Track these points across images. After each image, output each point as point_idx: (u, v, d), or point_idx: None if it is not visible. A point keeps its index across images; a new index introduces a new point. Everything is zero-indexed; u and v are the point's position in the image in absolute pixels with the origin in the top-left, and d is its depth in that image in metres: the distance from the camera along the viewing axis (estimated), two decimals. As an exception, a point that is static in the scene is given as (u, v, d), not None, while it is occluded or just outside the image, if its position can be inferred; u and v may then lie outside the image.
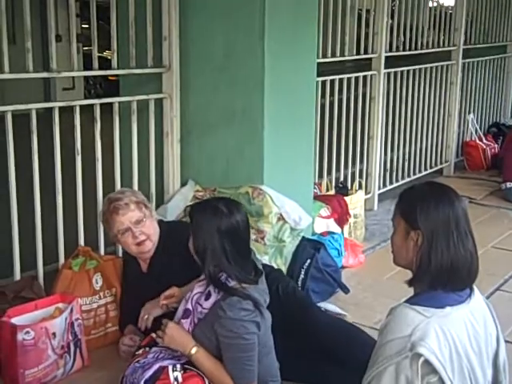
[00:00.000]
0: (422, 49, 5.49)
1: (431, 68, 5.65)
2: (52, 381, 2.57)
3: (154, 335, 2.39)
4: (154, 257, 2.77)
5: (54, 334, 2.52)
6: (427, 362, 1.60)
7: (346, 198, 4.11)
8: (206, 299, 2.22)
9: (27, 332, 2.44)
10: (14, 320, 2.50)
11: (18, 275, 2.89)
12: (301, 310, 2.80)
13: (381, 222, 4.60)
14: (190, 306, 2.26)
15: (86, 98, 9.50)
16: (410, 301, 1.74)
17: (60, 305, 2.67)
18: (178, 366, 2.18)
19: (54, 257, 3.05)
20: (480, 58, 6.49)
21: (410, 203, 1.78)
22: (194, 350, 2.17)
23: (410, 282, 1.80)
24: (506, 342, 1.94)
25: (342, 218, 3.95)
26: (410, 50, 5.34)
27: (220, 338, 2.14)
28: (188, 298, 2.29)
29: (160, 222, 2.84)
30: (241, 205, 2.31)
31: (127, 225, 2.68)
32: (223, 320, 2.12)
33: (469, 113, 6.42)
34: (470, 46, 6.24)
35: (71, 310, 2.64)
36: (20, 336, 2.43)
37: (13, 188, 2.82)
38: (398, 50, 5.19)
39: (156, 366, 2.18)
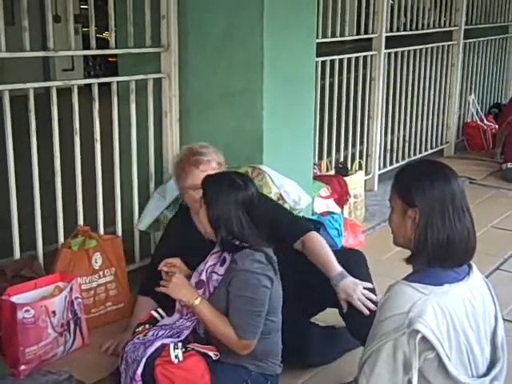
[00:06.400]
0: (422, 29, 5.46)
1: (432, 48, 5.62)
2: (52, 358, 2.58)
3: (153, 312, 2.40)
4: None
5: (53, 312, 2.53)
6: (425, 339, 1.61)
7: (345, 179, 4.10)
8: (222, 265, 2.24)
9: (27, 310, 2.45)
10: (14, 298, 2.51)
11: (17, 255, 2.90)
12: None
13: (381, 202, 4.59)
14: (203, 277, 2.28)
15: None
16: (409, 278, 1.74)
17: (60, 283, 2.67)
18: (180, 344, 2.18)
19: (54, 237, 3.05)
20: (481, 39, 6.45)
21: (406, 182, 1.79)
22: (197, 301, 2.18)
23: (409, 260, 1.80)
24: (505, 320, 1.95)
25: (341, 198, 3.95)
26: (410, 30, 5.30)
27: (230, 289, 2.15)
28: (201, 270, 2.31)
29: None
30: (252, 179, 2.33)
31: None
32: (236, 272, 2.14)
33: (470, 93, 6.40)
34: (471, 27, 6.20)
35: (71, 289, 2.65)
36: (20, 314, 2.43)
37: (11, 167, 2.82)
38: (398, 30, 5.16)
39: (158, 343, 2.18)
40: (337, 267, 2.53)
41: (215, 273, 2.25)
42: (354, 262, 2.62)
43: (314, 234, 2.74)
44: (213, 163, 2.67)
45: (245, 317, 2.14)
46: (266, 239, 2.25)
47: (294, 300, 2.54)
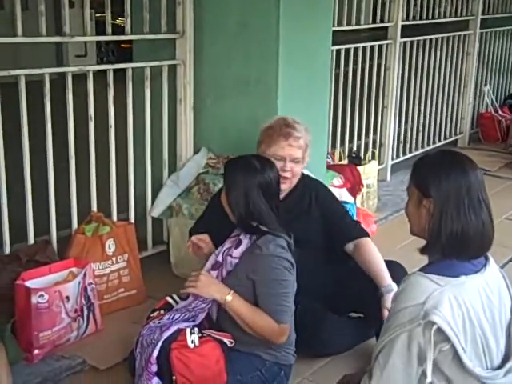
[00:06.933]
0: (439, 18, 5.41)
1: (448, 38, 5.57)
2: (66, 343, 2.60)
3: (168, 298, 2.41)
4: (287, 199, 2.74)
5: (67, 297, 2.55)
6: (440, 330, 1.60)
7: (358, 168, 4.09)
8: (236, 247, 2.25)
9: (41, 295, 2.47)
10: (29, 283, 2.52)
11: (31, 239, 2.91)
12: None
13: (393, 192, 4.59)
14: (220, 259, 2.30)
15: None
16: (425, 269, 1.73)
17: (73, 269, 2.69)
18: (196, 329, 2.20)
19: (67, 222, 3.07)
20: (498, 29, 6.39)
21: (423, 171, 1.77)
22: (230, 297, 2.18)
23: (423, 250, 1.79)
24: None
25: (354, 187, 3.93)
26: (427, 19, 5.26)
27: (256, 277, 2.17)
28: (218, 252, 2.33)
29: (303, 174, 2.82)
30: (273, 163, 2.34)
31: (285, 155, 2.63)
32: (261, 257, 2.16)
33: (485, 84, 6.34)
34: (488, 16, 6.14)
35: (84, 275, 2.66)
36: (34, 299, 2.45)
37: (26, 153, 2.83)
38: (414, 19, 5.11)
39: (174, 328, 2.20)
40: (388, 278, 2.58)
41: (230, 255, 2.26)
42: (395, 272, 2.63)
43: (369, 240, 2.77)
44: (301, 140, 2.67)
45: (278, 300, 2.17)
46: (282, 225, 2.26)
47: (322, 295, 2.62)
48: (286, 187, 2.69)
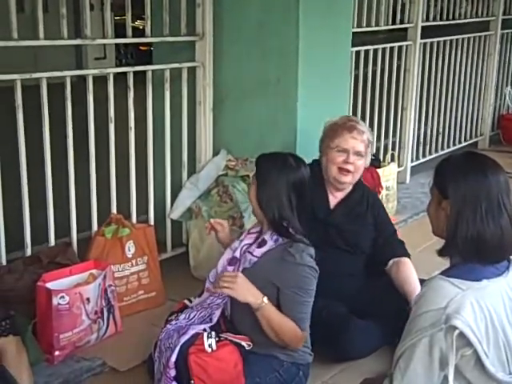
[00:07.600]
0: (459, 19, 5.36)
1: (468, 39, 5.52)
2: (86, 345, 2.62)
3: (186, 301, 2.42)
4: (348, 199, 2.79)
5: (87, 299, 2.56)
6: (462, 335, 1.58)
7: (378, 170, 4.06)
8: (259, 247, 2.24)
9: (62, 297, 2.48)
10: (49, 285, 2.54)
11: (52, 241, 2.93)
12: None
13: (413, 195, 4.55)
14: (237, 255, 2.30)
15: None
16: (446, 273, 1.71)
17: (94, 271, 2.70)
18: (213, 333, 2.20)
19: (87, 224, 3.08)
20: (519, 29, 6.31)
21: (444, 173, 1.76)
22: (265, 302, 2.15)
23: (440, 252, 1.78)
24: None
25: (374, 190, 3.90)
26: (447, 19, 5.22)
27: (282, 284, 2.17)
28: (235, 248, 2.33)
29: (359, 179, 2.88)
30: (304, 161, 2.33)
31: (349, 147, 2.70)
32: (293, 265, 2.17)
33: (506, 85, 6.28)
34: (509, 17, 6.07)
35: (105, 277, 2.67)
36: (55, 300, 2.47)
37: (47, 155, 2.85)
38: (434, 20, 5.07)
39: (192, 332, 2.20)
40: None
41: (250, 253, 2.26)
42: None
43: (409, 261, 2.81)
44: (364, 135, 2.74)
45: (303, 308, 2.19)
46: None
47: (353, 301, 2.64)
48: (347, 180, 2.73)
